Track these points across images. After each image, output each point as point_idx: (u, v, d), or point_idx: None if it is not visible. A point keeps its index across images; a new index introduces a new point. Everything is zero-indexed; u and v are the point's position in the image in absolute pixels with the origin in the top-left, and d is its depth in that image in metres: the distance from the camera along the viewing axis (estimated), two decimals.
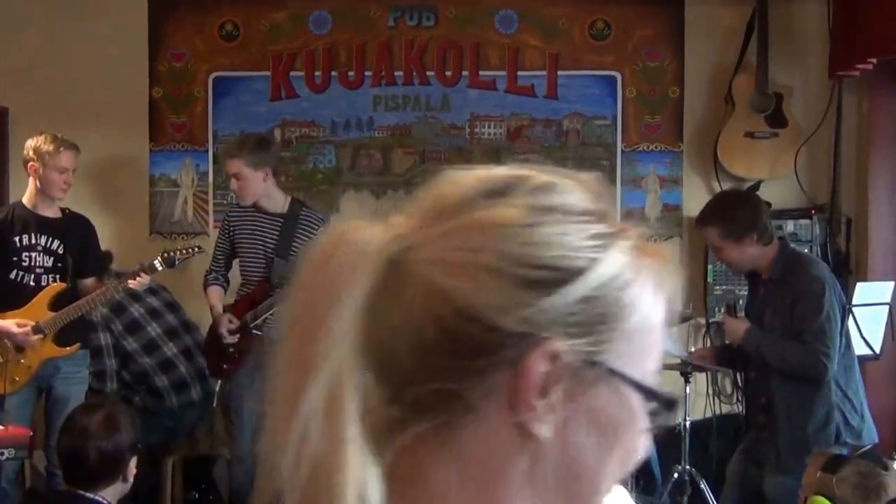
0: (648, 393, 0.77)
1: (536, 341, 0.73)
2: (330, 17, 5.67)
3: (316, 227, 4.61)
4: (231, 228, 4.75)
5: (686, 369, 4.56)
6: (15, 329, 4.22)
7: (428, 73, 5.65)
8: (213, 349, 4.70)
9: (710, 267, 5.54)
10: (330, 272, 0.74)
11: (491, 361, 0.73)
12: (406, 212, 0.78)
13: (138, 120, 5.65)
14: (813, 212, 5.46)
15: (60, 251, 4.37)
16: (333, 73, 5.66)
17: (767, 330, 3.73)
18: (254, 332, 4.58)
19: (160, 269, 4.38)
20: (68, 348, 4.34)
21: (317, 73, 5.66)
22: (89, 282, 4.48)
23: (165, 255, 4.41)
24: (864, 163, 5.46)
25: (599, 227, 0.76)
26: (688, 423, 4.55)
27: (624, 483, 1.89)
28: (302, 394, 0.72)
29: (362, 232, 0.75)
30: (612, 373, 0.76)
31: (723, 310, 4.53)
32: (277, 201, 4.66)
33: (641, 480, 4.62)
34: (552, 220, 0.76)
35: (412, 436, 0.74)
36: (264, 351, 4.54)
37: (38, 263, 4.35)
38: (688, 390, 4.61)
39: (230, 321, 4.60)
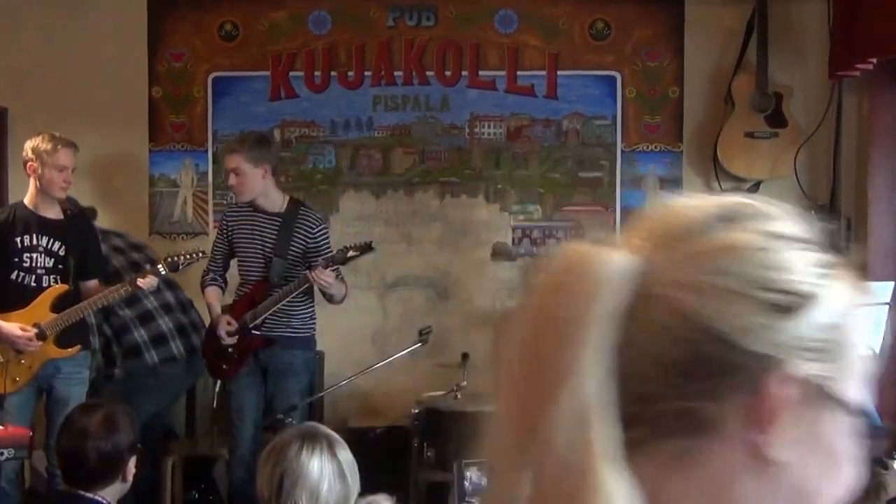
0: (867, 422, 0.80)
1: (776, 364, 0.75)
2: (329, 17, 5.67)
3: (314, 227, 4.61)
4: (229, 228, 4.74)
5: None
6: (18, 333, 4.21)
7: (427, 73, 5.65)
8: (212, 349, 4.70)
9: None
10: (569, 293, 0.76)
11: (732, 383, 0.75)
12: (632, 236, 0.80)
13: (138, 120, 5.65)
14: (812, 212, 5.45)
15: (62, 253, 4.37)
16: (333, 73, 5.66)
17: None
18: (253, 332, 4.58)
19: (163, 272, 4.37)
20: (69, 350, 4.34)
21: (316, 73, 5.66)
22: (92, 284, 4.47)
23: (169, 259, 4.40)
24: (863, 163, 5.45)
25: (820, 256, 0.80)
26: None
27: None
28: (548, 405, 0.74)
29: (595, 255, 0.78)
30: (839, 401, 0.78)
31: None
32: (276, 201, 4.66)
33: None
34: (783, 246, 0.79)
35: (649, 455, 0.76)
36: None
37: (38, 264, 4.34)
38: None
39: (228, 323, 4.60)
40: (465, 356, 4.74)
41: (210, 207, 5.69)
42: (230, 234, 4.73)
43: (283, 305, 4.53)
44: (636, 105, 5.66)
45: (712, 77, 5.65)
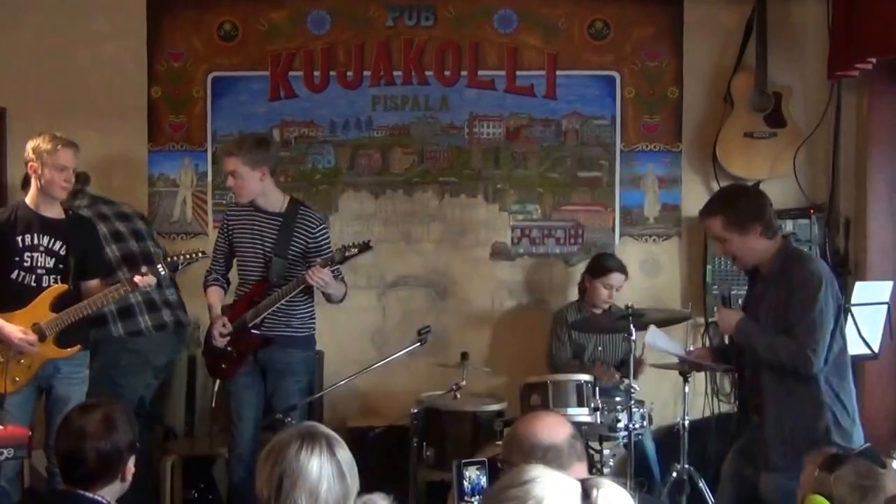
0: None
1: None
2: (329, 17, 5.68)
3: (315, 227, 4.61)
4: (230, 228, 4.74)
5: (685, 368, 4.56)
6: (19, 336, 4.21)
7: (427, 72, 5.65)
8: (212, 349, 4.70)
9: (708, 267, 5.55)
10: None
11: None
12: None
13: (137, 120, 5.65)
14: (812, 211, 5.46)
15: (62, 252, 4.36)
16: (332, 73, 5.67)
17: (761, 324, 3.72)
18: (253, 331, 4.57)
19: (163, 273, 4.37)
20: (69, 350, 4.33)
21: (315, 73, 5.67)
22: (94, 284, 4.46)
23: (169, 259, 4.40)
24: (862, 162, 5.46)
25: None
26: (686, 423, 4.55)
27: (623, 483, 1.89)
28: None
29: None
30: None
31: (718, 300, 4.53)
32: (276, 201, 4.66)
33: (641, 480, 4.62)
34: None
35: None
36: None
37: (39, 264, 4.34)
38: (687, 390, 4.61)
39: (224, 325, 4.60)
40: (464, 356, 4.74)
41: (209, 207, 5.70)
42: (231, 233, 4.73)
43: (283, 305, 4.53)
44: (635, 105, 5.66)
45: (711, 77, 5.65)
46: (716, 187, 5.47)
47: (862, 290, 4.46)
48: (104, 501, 2.76)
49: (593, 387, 4.50)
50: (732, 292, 4.19)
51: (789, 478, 3.48)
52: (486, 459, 2.67)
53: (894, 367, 5.30)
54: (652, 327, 4.30)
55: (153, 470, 5.06)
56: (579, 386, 4.49)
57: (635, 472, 4.34)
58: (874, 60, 5.07)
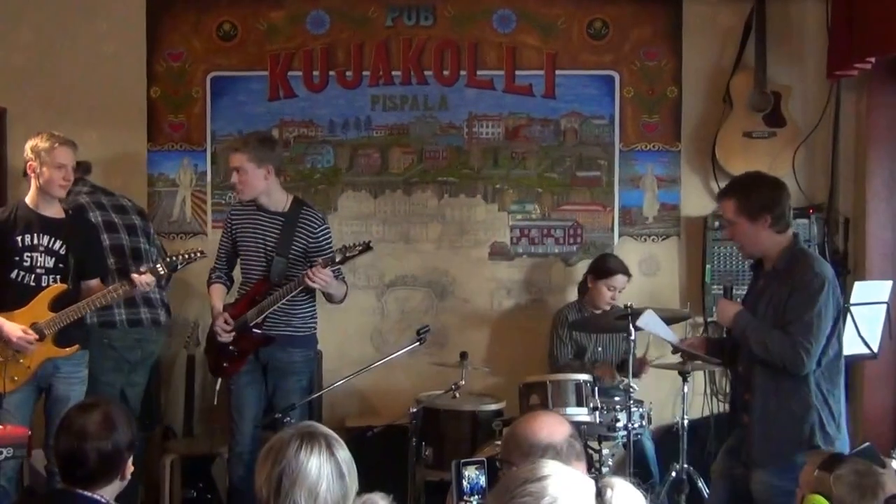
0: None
1: None
2: (328, 17, 5.68)
3: (316, 227, 4.61)
4: (233, 226, 4.75)
5: (684, 368, 4.56)
6: (19, 335, 4.21)
7: (426, 72, 5.65)
8: (213, 348, 4.70)
9: (707, 267, 5.55)
10: None
11: None
12: None
13: (136, 120, 5.65)
14: (811, 211, 5.46)
15: (62, 252, 4.36)
16: (331, 73, 5.67)
17: (760, 319, 3.71)
18: (254, 330, 4.58)
19: (162, 272, 4.37)
20: (67, 349, 4.33)
21: (315, 73, 5.67)
22: (94, 283, 4.46)
23: (168, 259, 4.40)
24: (861, 162, 5.46)
25: None
26: (685, 422, 4.55)
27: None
28: None
29: None
30: None
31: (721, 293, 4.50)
32: (279, 200, 4.66)
33: (639, 479, 4.62)
34: None
35: None
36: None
37: (39, 264, 4.34)
38: (685, 390, 4.61)
39: (226, 321, 4.60)
40: (463, 355, 4.74)
41: (208, 207, 5.70)
42: (234, 232, 4.74)
43: (284, 304, 4.53)
44: (634, 104, 5.66)
45: (710, 76, 5.65)
46: (715, 187, 5.47)
47: (861, 290, 4.45)
48: (104, 501, 2.75)
49: (592, 386, 4.50)
50: (735, 291, 4.18)
51: (780, 476, 3.48)
52: (484, 459, 2.67)
53: (894, 367, 5.31)
54: (649, 310, 4.26)
55: (152, 470, 5.07)
56: (578, 386, 4.50)
57: (634, 471, 4.34)
58: (873, 60, 5.07)
